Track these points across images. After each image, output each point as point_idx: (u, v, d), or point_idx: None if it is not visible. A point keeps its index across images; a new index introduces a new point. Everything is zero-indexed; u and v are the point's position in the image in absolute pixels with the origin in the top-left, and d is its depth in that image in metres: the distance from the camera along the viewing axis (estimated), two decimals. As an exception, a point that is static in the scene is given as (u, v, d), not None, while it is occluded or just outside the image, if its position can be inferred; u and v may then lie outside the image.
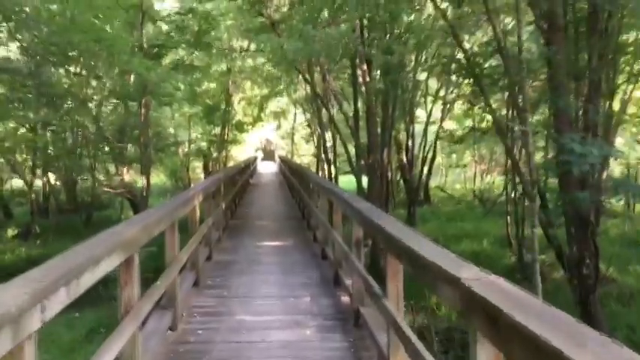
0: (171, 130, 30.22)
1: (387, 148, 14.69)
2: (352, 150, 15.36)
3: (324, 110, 18.77)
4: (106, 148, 17.74)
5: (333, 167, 19.12)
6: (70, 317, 8.51)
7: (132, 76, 17.81)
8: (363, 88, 13.04)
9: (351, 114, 14.54)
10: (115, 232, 3.11)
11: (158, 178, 27.39)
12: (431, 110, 20.31)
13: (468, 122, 28.34)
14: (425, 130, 19.39)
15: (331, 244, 6.86)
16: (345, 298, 5.50)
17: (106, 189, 17.85)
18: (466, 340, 3.72)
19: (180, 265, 4.90)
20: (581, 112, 7.08)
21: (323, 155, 20.13)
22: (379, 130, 13.63)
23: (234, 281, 6.47)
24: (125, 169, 17.61)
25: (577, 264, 7.15)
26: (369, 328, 4.10)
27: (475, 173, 26.01)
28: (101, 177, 18.61)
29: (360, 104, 14.45)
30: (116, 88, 16.49)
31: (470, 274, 1.96)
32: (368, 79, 12.26)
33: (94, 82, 17.63)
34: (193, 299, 5.62)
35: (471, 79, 10.21)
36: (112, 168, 18.81)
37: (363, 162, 13.98)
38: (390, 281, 3.26)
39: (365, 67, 12.33)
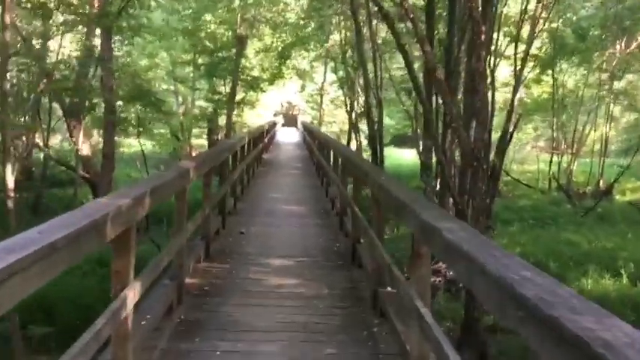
0: (172, 87, 24.96)
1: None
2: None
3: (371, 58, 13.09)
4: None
5: (377, 141, 13.13)
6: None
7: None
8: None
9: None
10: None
11: (149, 145, 22.11)
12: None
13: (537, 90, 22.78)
14: (512, 97, 13.53)
15: None
16: None
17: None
18: None
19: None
20: None
21: (366, 122, 14.28)
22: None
23: None
24: (81, 134, 12.34)
25: None
26: None
27: (553, 154, 20.14)
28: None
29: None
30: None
31: None
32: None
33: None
34: None
35: None
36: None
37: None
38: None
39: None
